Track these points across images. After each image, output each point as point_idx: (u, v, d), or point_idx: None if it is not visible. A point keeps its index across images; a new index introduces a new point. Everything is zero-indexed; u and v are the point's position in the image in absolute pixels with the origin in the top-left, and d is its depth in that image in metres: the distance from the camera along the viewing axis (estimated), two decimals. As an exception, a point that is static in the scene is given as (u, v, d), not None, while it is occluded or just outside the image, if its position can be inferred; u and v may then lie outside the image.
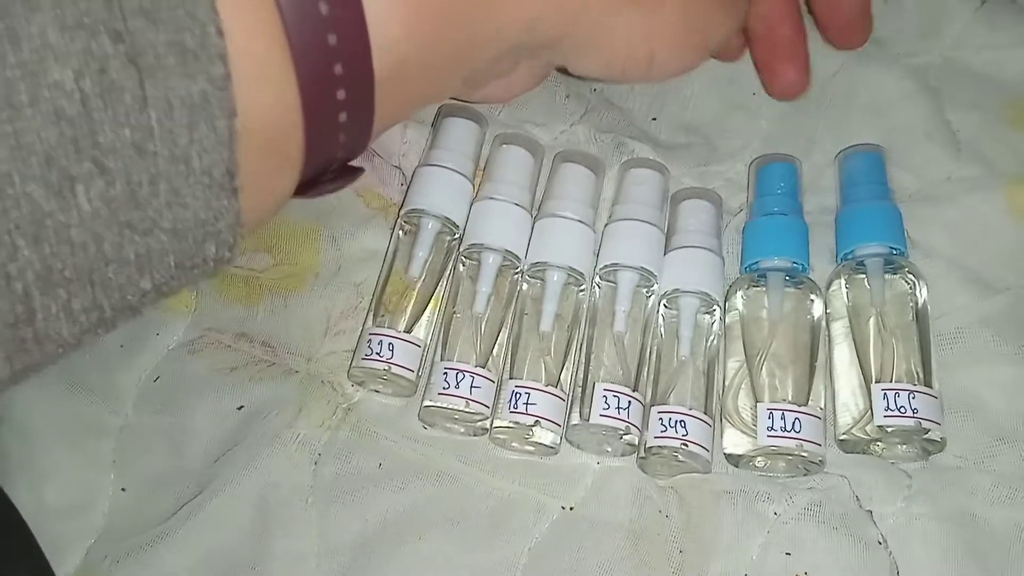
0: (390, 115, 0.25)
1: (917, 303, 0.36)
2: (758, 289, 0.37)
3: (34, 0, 0.17)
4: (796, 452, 0.34)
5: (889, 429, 0.33)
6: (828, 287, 0.38)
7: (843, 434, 0.35)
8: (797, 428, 0.34)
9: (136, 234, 0.19)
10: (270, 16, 0.20)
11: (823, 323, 0.37)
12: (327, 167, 0.25)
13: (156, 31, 0.18)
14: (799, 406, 0.34)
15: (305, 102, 0.21)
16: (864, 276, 0.36)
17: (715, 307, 0.37)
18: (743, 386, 0.36)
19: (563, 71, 0.33)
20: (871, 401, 0.34)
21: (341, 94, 0.22)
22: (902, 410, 0.33)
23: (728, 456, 0.35)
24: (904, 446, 0.34)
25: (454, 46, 0.25)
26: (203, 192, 0.20)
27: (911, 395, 0.33)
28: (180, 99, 0.19)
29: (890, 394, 0.33)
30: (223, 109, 0.19)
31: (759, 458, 0.35)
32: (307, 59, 0.21)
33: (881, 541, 0.33)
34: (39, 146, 0.17)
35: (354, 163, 0.27)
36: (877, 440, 0.34)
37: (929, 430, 0.33)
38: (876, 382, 0.34)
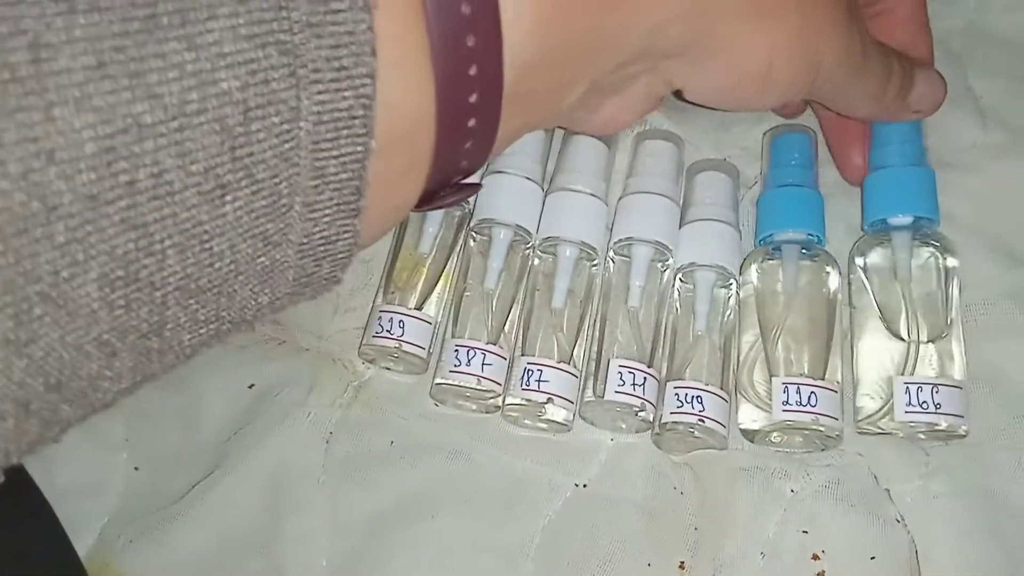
0: (511, 129, 0.25)
1: (945, 274, 0.35)
2: (773, 262, 0.36)
3: (214, 7, 0.17)
4: (812, 426, 0.33)
5: (911, 424, 0.33)
6: (855, 258, 0.37)
7: (863, 420, 0.34)
8: (813, 402, 0.33)
9: (268, 246, 0.19)
10: (415, 14, 0.20)
11: (839, 296, 0.36)
12: (447, 181, 0.24)
13: (318, 45, 0.18)
14: (815, 380, 0.34)
15: (440, 101, 0.21)
16: (890, 248, 0.36)
17: (732, 281, 0.36)
18: (758, 360, 0.35)
19: (678, 96, 0.32)
20: (893, 394, 0.33)
21: (473, 97, 0.22)
22: (924, 406, 0.32)
23: (744, 431, 0.35)
24: (925, 434, 0.34)
25: (579, 47, 0.24)
26: (332, 209, 0.20)
27: (934, 389, 0.32)
28: (329, 114, 0.19)
29: (912, 388, 0.33)
30: (365, 127, 0.19)
31: (775, 433, 0.34)
32: (446, 59, 0.20)
33: (899, 519, 0.33)
34: (200, 154, 0.17)
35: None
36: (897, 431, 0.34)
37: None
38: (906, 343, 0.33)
